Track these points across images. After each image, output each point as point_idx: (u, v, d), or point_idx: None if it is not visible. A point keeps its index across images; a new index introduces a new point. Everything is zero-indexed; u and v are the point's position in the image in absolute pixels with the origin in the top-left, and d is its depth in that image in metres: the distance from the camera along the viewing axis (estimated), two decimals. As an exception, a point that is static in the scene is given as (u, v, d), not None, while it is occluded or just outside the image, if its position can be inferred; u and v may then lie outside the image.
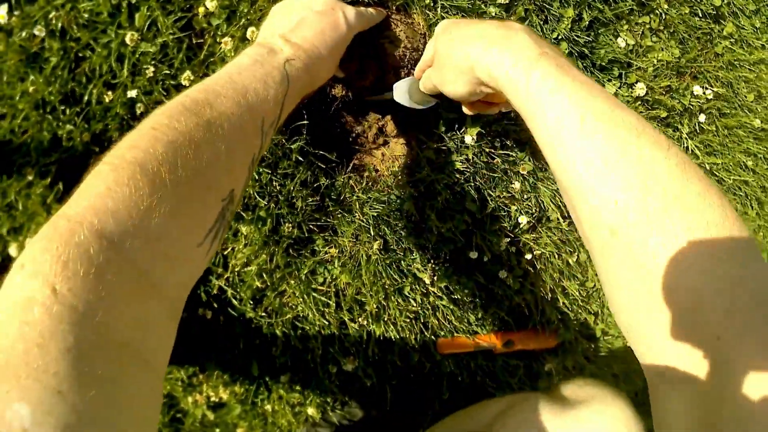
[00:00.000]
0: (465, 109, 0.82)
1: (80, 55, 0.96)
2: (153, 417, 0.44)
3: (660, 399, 0.47)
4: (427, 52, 0.78)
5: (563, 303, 1.15)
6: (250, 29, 0.91)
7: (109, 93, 0.95)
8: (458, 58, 0.63)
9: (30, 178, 0.99)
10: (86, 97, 0.96)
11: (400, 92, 0.90)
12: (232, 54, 0.93)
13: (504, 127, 1.01)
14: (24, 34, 0.96)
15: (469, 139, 0.98)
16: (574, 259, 1.14)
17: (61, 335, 0.35)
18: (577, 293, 1.16)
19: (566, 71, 0.52)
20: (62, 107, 0.97)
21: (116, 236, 0.40)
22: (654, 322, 0.45)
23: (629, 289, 0.47)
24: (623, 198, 0.46)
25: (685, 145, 1.13)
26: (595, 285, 1.18)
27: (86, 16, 0.95)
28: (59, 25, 0.96)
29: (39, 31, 0.95)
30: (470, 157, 1.01)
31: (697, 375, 0.43)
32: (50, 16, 0.95)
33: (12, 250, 1.03)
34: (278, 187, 0.97)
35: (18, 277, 0.37)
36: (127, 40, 0.93)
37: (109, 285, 0.38)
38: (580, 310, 1.19)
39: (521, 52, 0.55)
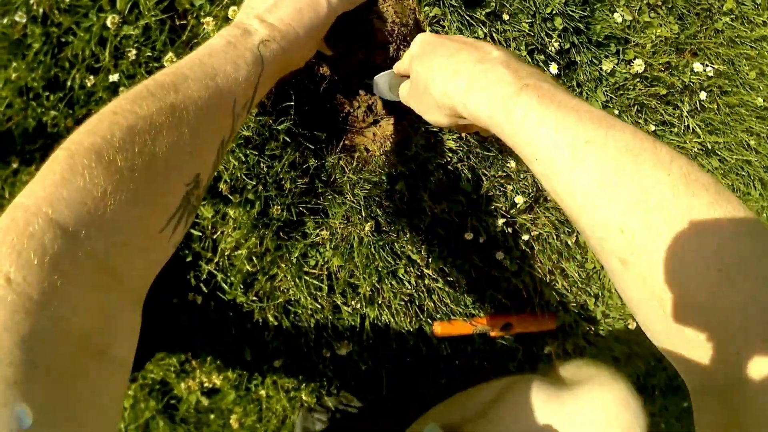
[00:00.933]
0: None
1: (62, 40, 0.95)
2: (115, 408, 0.44)
3: (696, 408, 0.47)
4: (404, 62, 0.74)
5: (562, 285, 1.13)
6: (232, 8, 0.88)
7: (91, 77, 0.93)
8: (438, 95, 0.60)
9: (15, 165, 0.98)
10: (69, 83, 0.95)
11: (381, 87, 0.87)
12: (213, 33, 0.90)
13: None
14: (5, 20, 0.94)
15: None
16: (573, 240, 1.11)
17: (15, 325, 0.35)
18: (577, 275, 1.13)
19: (550, 100, 0.49)
20: (46, 93, 0.96)
21: (71, 225, 0.40)
22: (676, 340, 0.45)
23: (648, 312, 0.46)
24: (628, 226, 0.44)
25: (686, 123, 1.09)
26: (594, 266, 1.15)
27: (68, 0, 0.93)
28: (41, 10, 0.94)
29: (20, 17, 0.93)
30: (463, 136, 0.98)
31: (717, 391, 0.44)
32: (31, 2, 0.94)
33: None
34: (266, 169, 0.95)
35: None
36: (108, 23, 0.91)
37: (65, 274, 0.38)
38: (579, 292, 1.16)
39: (501, 89, 0.52)
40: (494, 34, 0.93)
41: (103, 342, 0.42)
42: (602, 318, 1.20)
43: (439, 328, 1.11)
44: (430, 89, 0.62)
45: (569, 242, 1.11)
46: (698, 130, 1.10)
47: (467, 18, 0.92)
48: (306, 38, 0.71)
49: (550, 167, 0.48)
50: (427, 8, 0.93)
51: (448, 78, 0.58)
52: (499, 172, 1.02)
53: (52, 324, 0.37)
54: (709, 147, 1.12)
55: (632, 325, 1.20)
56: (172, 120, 0.49)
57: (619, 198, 0.44)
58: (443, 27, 0.94)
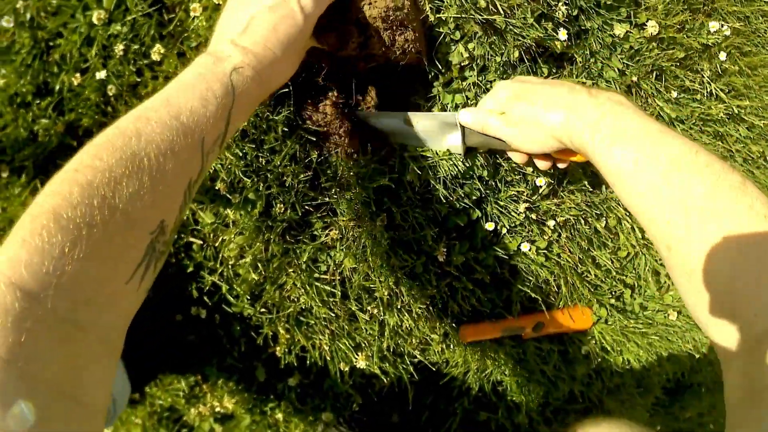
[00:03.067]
0: (539, 164, 0.84)
1: (50, 43, 0.91)
2: None
3: (723, 377, 0.57)
4: (488, 103, 0.82)
5: (595, 275, 1.04)
6: (221, -7, 0.84)
7: (78, 75, 0.89)
8: (541, 123, 0.73)
9: (5, 175, 0.93)
10: (57, 87, 0.90)
11: (452, 141, 0.90)
12: (203, 24, 0.86)
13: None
14: (-7, 27, 0.91)
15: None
16: (603, 224, 1.03)
17: None
18: (610, 263, 1.04)
19: (625, 126, 0.64)
20: (36, 100, 0.92)
21: (32, 287, 0.41)
22: (707, 311, 0.56)
23: (690, 293, 0.58)
24: (671, 217, 0.58)
25: (709, 89, 1.02)
26: (628, 253, 1.06)
27: (55, 2, 0.90)
28: (28, 15, 0.91)
29: (7, 22, 0.90)
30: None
31: (742, 350, 0.53)
32: (18, 6, 0.91)
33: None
34: (265, 164, 0.89)
35: None
36: (95, 19, 0.87)
37: (30, 333, 0.40)
38: (615, 282, 1.07)
39: (588, 116, 0.67)
40: (498, 3, 0.88)
41: (75, 391, 0.43)
42: (640, 310, 1.10)
43: (467, 333, 1.02)
44: (533, 121, 0.74)
45: (598, 227, 1.03)
46: (722, 95, 1.03)
47: (468, -12, 0.87)
48: (285, 56, 0.68)
49: (619, 178, 0.63)
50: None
51: (550, 107, 0.71)
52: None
53: (20, 378, 0.39)
54: (735, 112, 1.05)
55: (673, 316, 1.10)
56: (132, 169, 0.48)
57: (665, 196, 0.58)
58: (444, 2, 0.89)
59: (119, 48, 0.88)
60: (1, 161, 0.93)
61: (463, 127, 0.87)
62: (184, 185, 0.55)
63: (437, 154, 0.92)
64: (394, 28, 0.85)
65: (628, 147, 0.62)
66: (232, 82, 0.60)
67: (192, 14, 0.86)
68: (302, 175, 0.89)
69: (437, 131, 0.90)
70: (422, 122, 0.89)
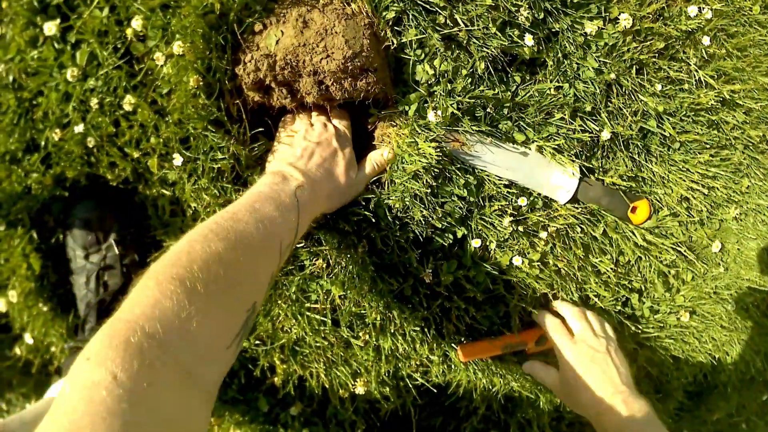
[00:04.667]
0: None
1: (33, 102, 0.95)
2: None
3: None
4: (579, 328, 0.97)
5: (596, 282, 1.00)
6: (177, 44, 0.85)
7: (57, 131, 0.92)
8: (583, 400, 0.89)
9: (2, 229, 0.97)
10: (43, 142, 0.94)
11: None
12: (170, 71, 0.88)
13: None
14: (-20, 91, 0.96)
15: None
16: (600, 231, 0.99)
17: (120, 412, 0.43)
18: (611, 270, 1.00)
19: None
20: (26, 156, 0.96)
21: (163, 338, 0.49)
22: None
23: None
24: None
25: (697, 77, 0.97)
26: (629, 260, 1.02)
27: (33, 64, 0.94)
28: (11, 77, 0.95)
29: (-9, 85, 0.95)
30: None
31: None
32: (0, 69, 0.95)
33: (0, 304, 1.01)
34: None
35: (86, 366, 0.46)
36: (69, 77, 0.91)
37: (157, 375, 0.48)
38: (619, 289, 1.02)
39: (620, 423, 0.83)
40: (457, 16, 0.86)
41: (185, 427, 0.51)
42: (650, 314, 1.05)
43: (465, 353, 1.00)
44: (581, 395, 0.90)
45: (596, 234, 0.99)
46: (712, 81, 0.97)
47: (424, 6, 0.86)
48: (328, 180, 0.83)
49: None
50: (385, 12, 0.87)
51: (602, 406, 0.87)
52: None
53: (148, 411, 0.46)
54: (728, 98, 0.99)
55: (686, 317, 1.05)
56: (235, 256, 0.60)
57: None
58: (403, 27, 0.88)
59: (94, 101, 0.91)
60: (-5, 216, 0.98)
61: (579, 180, 0.95)
62: (269, 275, 0.67)
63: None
64: (355, 75, 0.85)
65: None
66: (296, 197, 0.74)
67: (158, 63, 0.88)
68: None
69: (545, 175, 0.95)
70: (535, 162, 0.95)
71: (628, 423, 0.81)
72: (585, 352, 0.92)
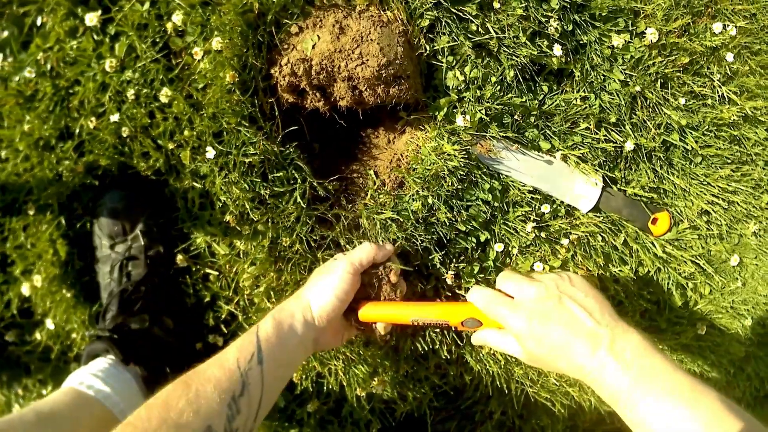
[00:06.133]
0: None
1: (70, 90, 0.97)
2: None
3: None
4: (517, 288, 0.82)
5: (614, 290, 1.01)
6: (216, 39, 0.87)
7: (93, 119, 0.94)
8: (568, 355, 0.73)
9: (32, 213, 0.99)
10: (77, 130, 0.96)
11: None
12: (207, 66, 0.90)
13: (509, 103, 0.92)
14: (18, 78, 0.98)
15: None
16: (621, 241, 1.00)
17: None
18: (630, 281, 1.01)
19: (656, 390, 0.67)
20: (59, 144, 0.98)
21: None
22: None
23: None
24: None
25: (720, 93, 0.99)
26: (649, 271, 1.03)
27: (72, 53, 0.96)
28: (48, 65, 0.98)
29: (30, 72, 0.97)
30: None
31: None
32: (39, 57, 0.97)
33: (25, 289, 1.02)
34: (273, 199, 0.91)
35: None
36: (108, 67, 0.93)
37: None
38: (638, 299, 1.03)
39: (614, 380, 0.69)
40: (488, 25, 0.88)
41: None
42: (668, 326, 1.06)
43: (362, 314, 0.84)
44: (563, 347, 0.74)
45: (617, 244, 1.00)
46: (735, 97, 0.99)
47: (457, 14, 0.88)
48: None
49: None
50: (419, 20, 0.90)
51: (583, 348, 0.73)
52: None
53: None
54: (750, 114, 1.01)
55: (702, 330, 1.06)
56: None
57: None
58: (436, 34, 0.90)
59: (131, 93, 0.93)
60: (27, 200, 0.99)
61: (602, 190, 0.96)
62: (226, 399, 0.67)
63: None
64: (388, 82, 0.87)
65: (662, 406, 0.66)
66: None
67: (195, 58, 0.90)
68: (312, 213, 0.91)
69: (568, 184, 0.96)
70: (559, 171, 0.96)
71: (621, 382, 0.68)
72: (533, 311, 0.76)
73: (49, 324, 1.04)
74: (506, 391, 1.03)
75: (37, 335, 1.07)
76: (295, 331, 0.77)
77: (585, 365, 0.71)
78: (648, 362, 0.69)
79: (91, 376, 0.90)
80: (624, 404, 0.68)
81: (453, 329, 0.92)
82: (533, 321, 0.75)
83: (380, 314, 0.84)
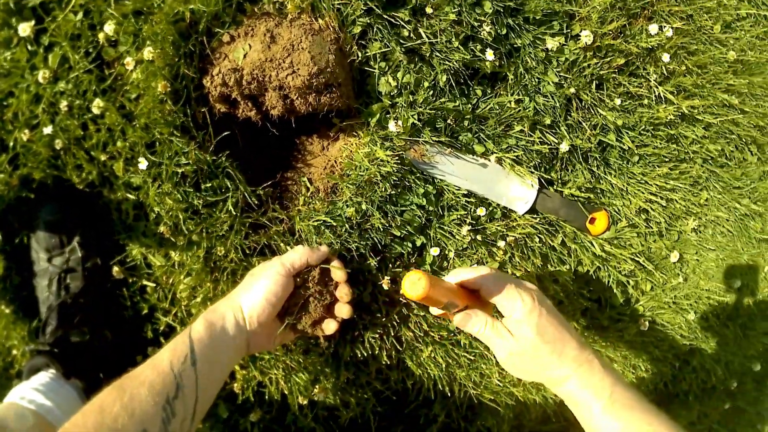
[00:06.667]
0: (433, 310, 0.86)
1: (4, 103, 0.96)
2: None
3: None
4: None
5: (554, 290, 1.01)
6: (148, 49, 0.87)
7: (26, 131, 0.93)
8: (546, 363, 0.76)
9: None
10: (11, 143, 0.95)
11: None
12: (139, 76, 0.89)
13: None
14: (-51, 93, 0.97)
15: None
16: (558, 242, 1.01)
17: None
18: (570, 280, 1.02)
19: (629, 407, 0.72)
20: (-5, 158, 0.97)
21: None
22: None
23: None
24: None
25: (657, 93, 1.00)
26: (588, 270, 1.04)
27: (6, 65, 0.95)
28: (-19, 78, 0.97)
29: (-39, 86, 0.95)
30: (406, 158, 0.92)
31: None
32: (-30, 70, 0.96)
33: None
34: (206, 209, 0.91)
35: None
36: (40, 78, 0.92)
37: None
38: (578, 298, 1.04)
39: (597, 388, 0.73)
40: (421, 30, 0.88)
41: None
42: (610, 323, 1.07)
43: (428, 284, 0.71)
44: (542, 359, 0.76)
45: (555, 245, 1.01)
46: (671, 97, 1.00)
47: (389, 20, 0.88)
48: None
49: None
50: (351, 27, 0.89)
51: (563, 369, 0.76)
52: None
53: None
54: (687, 113, 1.02)
55: (645, 326, 1.07)
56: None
57: None
58: (368, 40, 0.90)
59: (64, 104, 0.92)
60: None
61: (538, 192, 0.96)
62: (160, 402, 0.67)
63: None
64: (319, 90, 0.86)
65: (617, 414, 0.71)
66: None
67: (128, 68, 0.90)
68: (246, 220, 0.91)
69: (504, 186, 0.97)
70: (494, 173, 0.96)
71: (609, 375, 0.74)
72: (540, 299, 0.78)
73: (-10, 340, 1.04)
74: (449, 394, 1.03)
75: (-22, 352, 1.06)
76: (227, 332, 0.77)
77: (576, 359, 0.74)
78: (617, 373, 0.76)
79: (33, 391, 0.90)
80: (611, 400, 0.71)
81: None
82: (543, 308, 0.77)
83: (439, 293, 0.74)
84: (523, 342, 0.76)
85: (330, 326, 0.86)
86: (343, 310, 0.86)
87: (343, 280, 0.86)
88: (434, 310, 0.86)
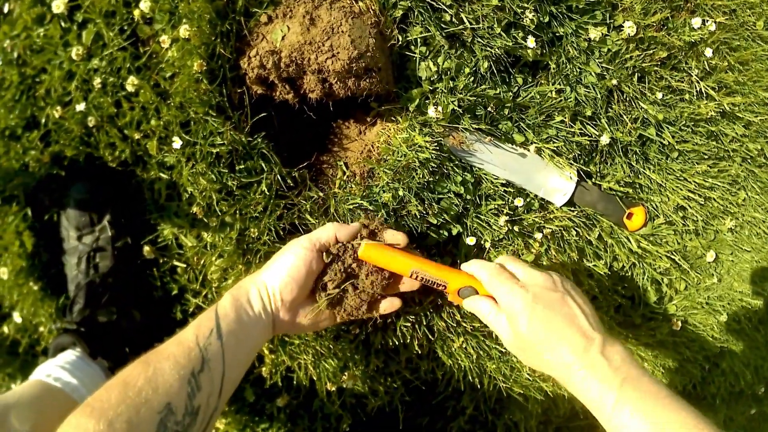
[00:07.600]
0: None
1: (36, 79, 0.95)
2: None
3: None
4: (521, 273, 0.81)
5: (589, 286, 1.00)
6: (184, 27, 0.85)
7: (58, 108, 0.92)
8: (549, 360, 0.74)
9: (-3, 206, 0.98)
10: (43, 120, 0.94)
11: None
12: (175, 55, 0.88)
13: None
14: (-18, 66, 0.96)
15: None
16: (595, 236, 0.99)
17: None
18: (605, 276, 1.00)
19: (643, 396, 0.66)
20: (26, 133, 0.96)
21: None
22: None
23: None
24: None
25: (698, 88, 0.98)
26: (624, 266, 1.02)
27: (39, 41, 0.94)
28: (15, 54, 0.96)
29: (-5, 60, 0.95)
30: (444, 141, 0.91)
31: None
32: (5, 45, 0.95)
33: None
34: (240, 189, 0.89)
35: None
36: (74, 55, 0.91)
37: None
38: (612, 294, 1.02)
39: (604, 380, 0.69)
40: (462, 15, 0.87)
41: None
42: (643, 322, 1.05)
43: (366, 248, 0.81)
44: (550, 345, 0.74)
45: (591, 239, 0.99)
46: (712, 93, 0.98)
47: (430, 4, 0.86)
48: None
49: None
50: (392, 11, 0.88)
51: (558, 350, 0.74)
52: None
53: None
54: (728, 110, 1.00)
55: (677, 326, 1.05)
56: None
57: None
58: (409, 24, 0.88)
59: (98, 81, 0.91)
60: (-7, 192, 0.97)
61: (577, 184, 0.95)
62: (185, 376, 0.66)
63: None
64: (359, 75, 0.85)
65: (649, 418, 0.65)
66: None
67: (163, 46, 0.89)
68: (281, 202, 0.90)
69: (543, 177, 0.95)
70: (533, 164, 0.95)
71: (612, 382, 0.68)
72: (539, 296, 0.76)
73: (17, 317, 1.03)
74: (479, 386, 1.02)
75: (5, 329, 1.05)
76: (252, 307, 0.76)
77: (575, 360, 0.71)
78: (635, 372, 0.69)
79: (59, 369, 0.89)
80: (611, 407, 0.67)
81: (445, 292, 0.86)
82: (537, 305, 0.75)
83: (381, 256, 0.81)
84: (517, 334, 0.77)
85: (393, 303, 0.85)
86: (406, 283, 0.86)
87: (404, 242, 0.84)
88: (452, 297, 0.86)
